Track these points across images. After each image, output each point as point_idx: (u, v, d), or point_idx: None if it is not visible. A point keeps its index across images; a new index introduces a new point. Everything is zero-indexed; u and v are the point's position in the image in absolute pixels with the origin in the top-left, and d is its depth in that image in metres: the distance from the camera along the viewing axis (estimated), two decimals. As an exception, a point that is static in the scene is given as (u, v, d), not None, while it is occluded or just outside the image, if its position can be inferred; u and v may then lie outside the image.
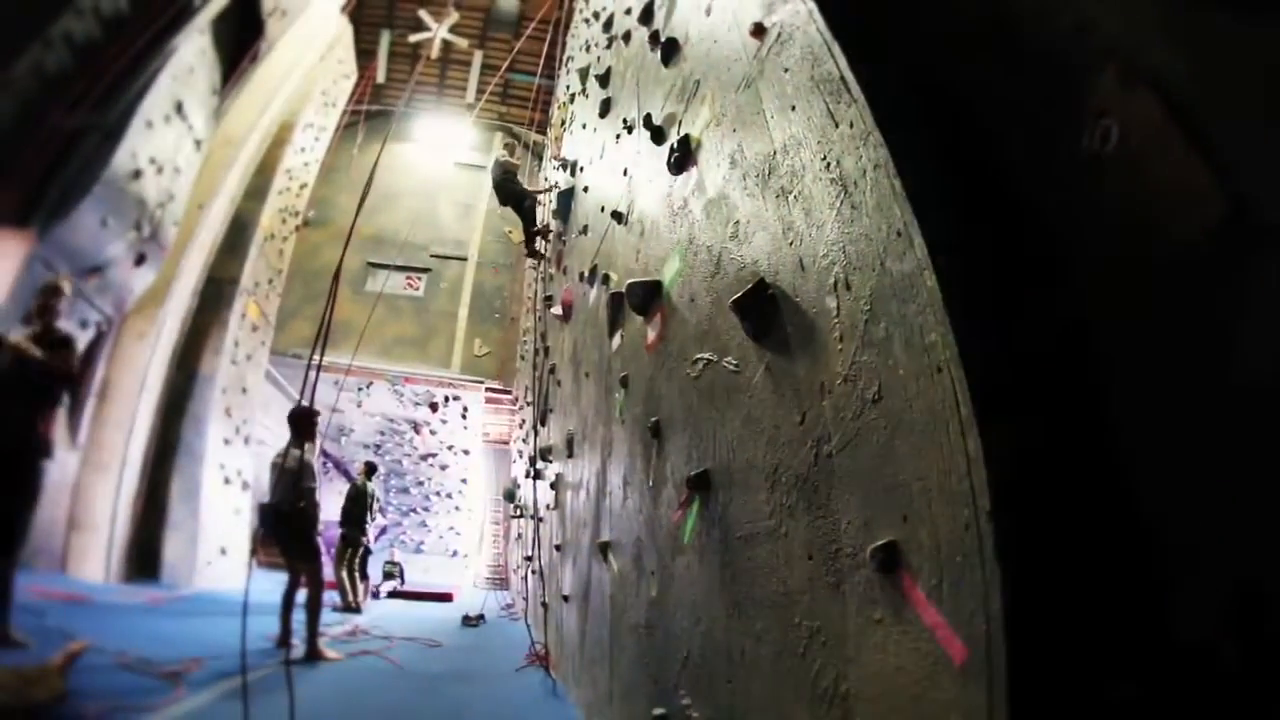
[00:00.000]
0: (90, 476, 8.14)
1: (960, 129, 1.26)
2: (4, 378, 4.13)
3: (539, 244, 8.71)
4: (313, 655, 5.07)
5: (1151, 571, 0.89)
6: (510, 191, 8.86)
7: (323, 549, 6.09)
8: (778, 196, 1.64)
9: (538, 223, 8.84)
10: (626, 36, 4.37)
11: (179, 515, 9.34)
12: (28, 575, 4.75)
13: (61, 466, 7.37)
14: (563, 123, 9.59)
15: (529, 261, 11.65)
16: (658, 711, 2.13)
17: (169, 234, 8.49)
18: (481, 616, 9.02)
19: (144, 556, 8.88)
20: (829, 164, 1.41)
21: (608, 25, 5.56)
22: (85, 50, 6.42)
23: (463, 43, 17.41)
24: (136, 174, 7.30)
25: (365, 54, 16.78)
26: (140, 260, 7.95)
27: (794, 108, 1.60)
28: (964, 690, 0.90)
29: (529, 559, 7.66)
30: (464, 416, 17.00)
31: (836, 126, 1.39)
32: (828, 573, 1.26)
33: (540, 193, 9.41)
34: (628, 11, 4.52)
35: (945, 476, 0.98)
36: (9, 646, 3.97)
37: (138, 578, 8.60)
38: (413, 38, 16.76)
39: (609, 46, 5.30)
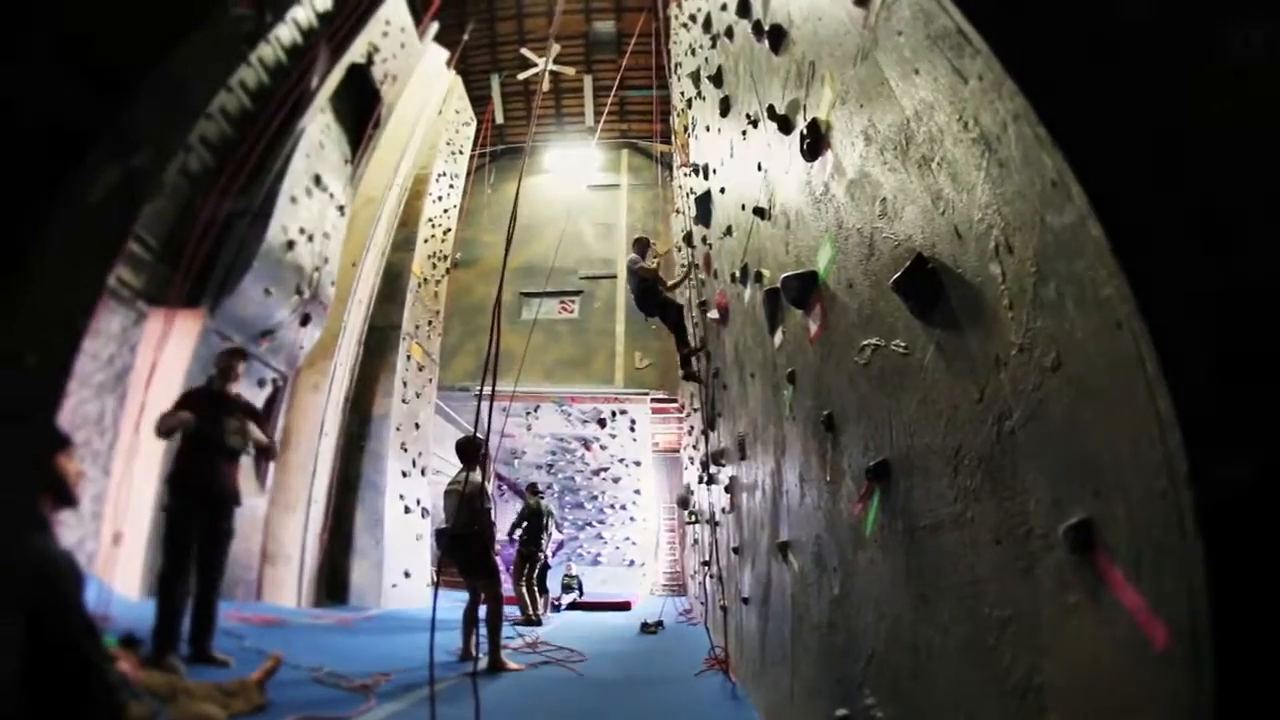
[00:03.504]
0: (279, 515, 9.19)
1: (1095, 58, 1.13)
2: (208, 442, 4.85)
3: (695, 364, 7.71)
4: (495, 666, 5.36)
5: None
6: (653, 303, 8.04)
7: (501, 566, 6.41)
8: (920, 166, 1.55)
9: (689, 337, 7.84)
10: (729, 32, 4.34)
11: (364, 544, 10.29)
12: (227, 604, 5.34)
13: (253, 508, 8.31)
14: (685, 129, 9.60)
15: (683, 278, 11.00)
16: (840, 712, 2.07)
17: (328, 293, 9.45)
18: (660, 623, 9.16)
19: (333, 583, 9.87)
20: (966, 123, 1.32)
21: (707, 25, 5.54)
22: (221, 147, 7.37)
23: (570, 71, 18.10)
24: (290, 245, 8.20)
25: (480, 99, 17.89)
26: (305, 320, 8.89)
27: (917, 71, 1.51)
28: (1166, 677, 0.80)
29: (706, 564, 7.69)
30: (632, 429, 17.36)
31: (966, 82, 1.30)
32: (1018, 557, 1.17)
33: (680, 281, 8.67)
34: (724, 7, 4.48)
35: (1136, 442, 0.88)
36: (212, 665, 4.50)
37: (328, 602, 9.50)
38: (521, 75, 17.70)
39: (714, 46, 5.28)
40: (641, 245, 8.47)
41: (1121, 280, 0.90)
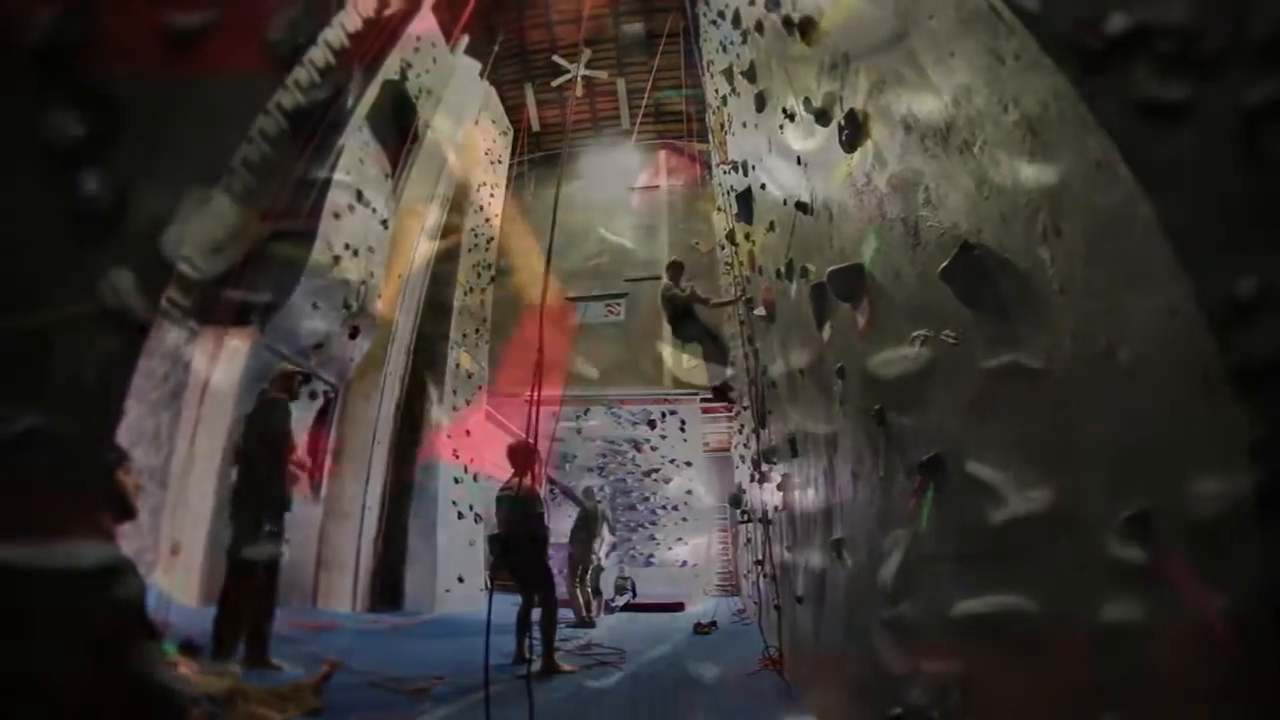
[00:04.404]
0: (334, 523, 9.46)
1: (1135, 31, 1.09)
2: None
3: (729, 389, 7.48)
4: (549, 669, 5.37)
5: None
6: (689, 328, 7.76)
7: (554, 569, 6.43)
8: (961, 152, 1.52)
9: (729, 363, 7.60)
10: (759, 27, 4.29)
11: (417, 550, 10.48)
12: (284, 610, 5.46)
13: (308, 517, 8.51)
14: (722, 126, 9.52)
15: (722, 257, 10.57)
16: (894, 711, 2.03)
17: (375, 305, 9.66)
18: (713, 623, 9.09)
19: (387, 588, 10.05)
20: (1005, 105, 1.29)
21: (736, 21, 5.49)
22: (262, 169, 7.53)
23: (602, 75, 18.16)
24: (335, 260, 8.43)
25: (515, 109, 18.09)
26: (354, 333, 9.12)
27: (952, 54, 1.48)
28: (1228, 674, 0.76)
29: (759, 563, 7.61)
30: (682, 429, 17.27)
31: (1002, 63, 1.27)
32: (1076, 552, 1.13)
33: (728, 303, 8.30)
34: (751, 2, 4.44)
35: (1193, 429, 0.84)
36: (269, 670, 4.62)
37: (382, 607, 9.63)
38: (554, 83, 17.81)
39: (744, 41, 5.24)
40: (675, 270, 8.10)
41: (1174, 262, 0.87)
